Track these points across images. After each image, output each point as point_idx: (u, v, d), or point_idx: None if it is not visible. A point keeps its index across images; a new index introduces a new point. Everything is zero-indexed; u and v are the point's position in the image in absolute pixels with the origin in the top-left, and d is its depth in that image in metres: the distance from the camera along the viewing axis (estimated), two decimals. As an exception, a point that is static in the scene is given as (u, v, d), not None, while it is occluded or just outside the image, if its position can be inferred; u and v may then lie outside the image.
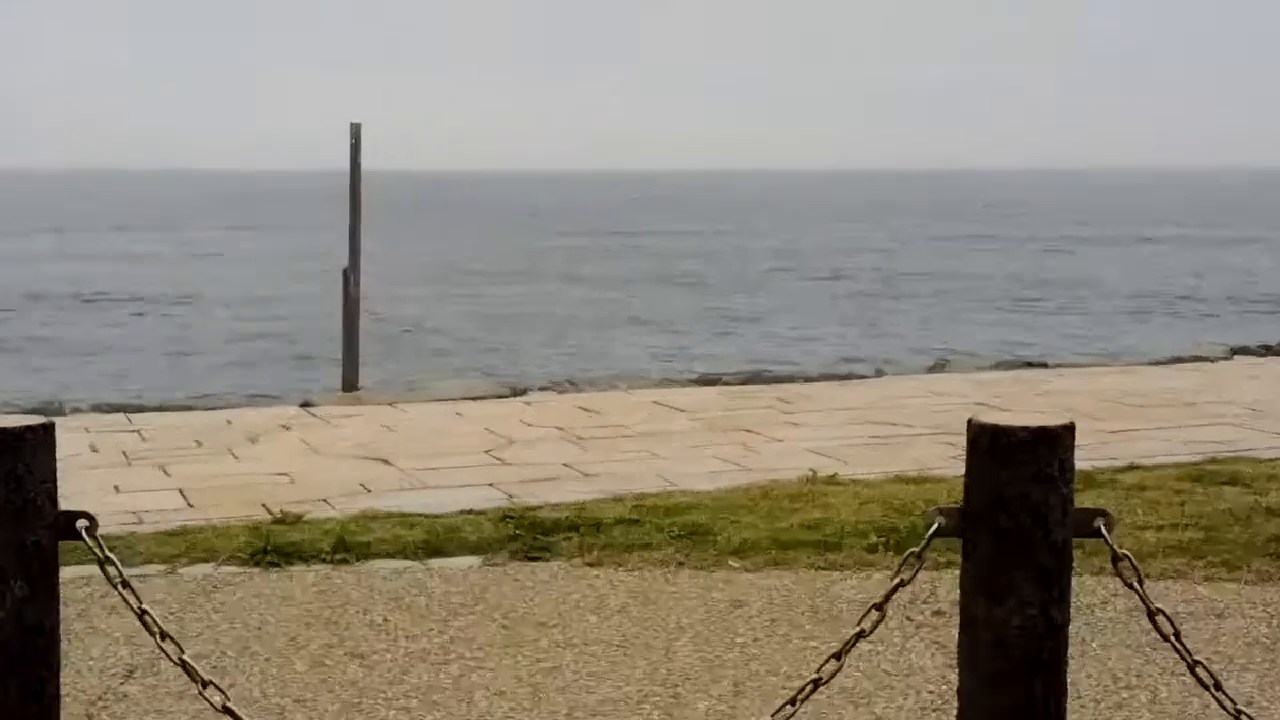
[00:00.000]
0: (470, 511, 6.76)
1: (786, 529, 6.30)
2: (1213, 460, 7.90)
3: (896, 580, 2.74)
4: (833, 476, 7.45)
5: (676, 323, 26.65)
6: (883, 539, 6.08)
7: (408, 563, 5.95)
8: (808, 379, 12.12)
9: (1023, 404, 10.29)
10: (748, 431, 9.17)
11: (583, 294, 32.85)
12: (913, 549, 2.74)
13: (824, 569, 5.80)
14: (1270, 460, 7.89)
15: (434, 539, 6.20)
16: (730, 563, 5.89)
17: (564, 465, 8.10)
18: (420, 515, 6.68)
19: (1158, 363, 12.97)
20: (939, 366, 13.42)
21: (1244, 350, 14.04)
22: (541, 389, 11.77)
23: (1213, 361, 13.01)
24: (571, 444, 8.78)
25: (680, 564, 5.87)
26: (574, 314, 28.11)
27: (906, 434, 9.08)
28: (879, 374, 12.65)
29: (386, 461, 8.21)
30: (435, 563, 5.95)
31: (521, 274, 38.62)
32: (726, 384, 11.74)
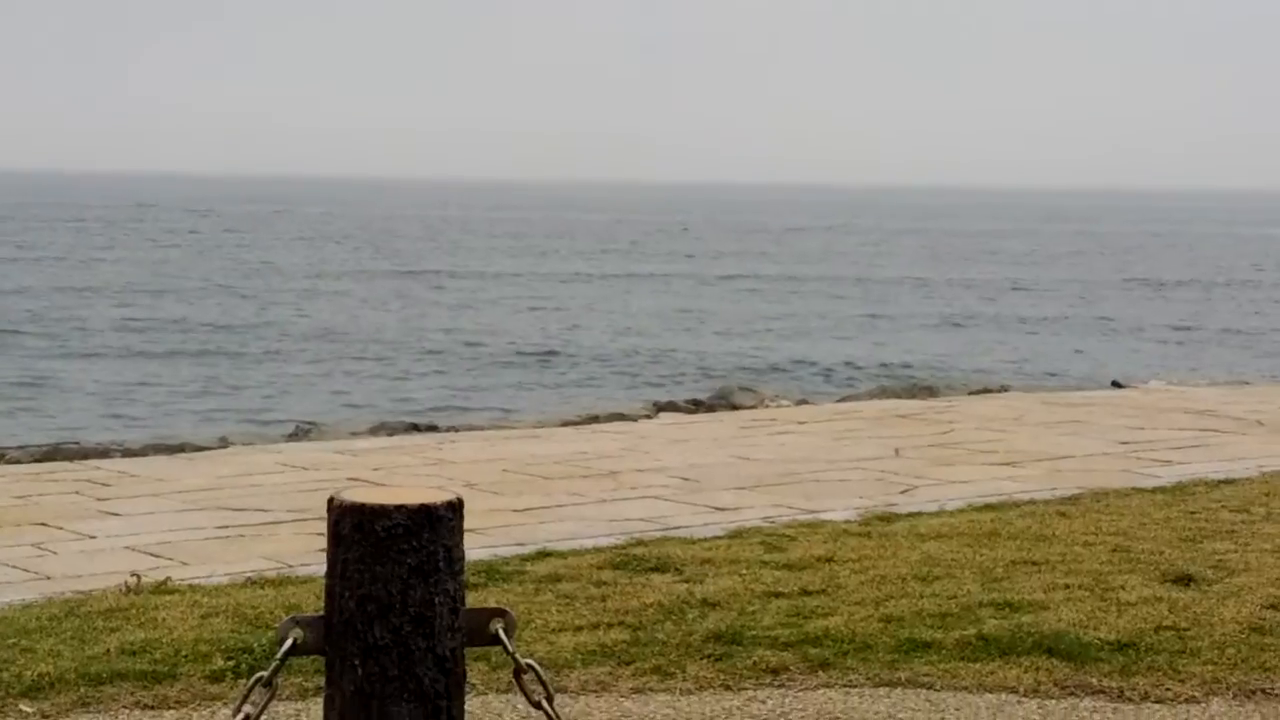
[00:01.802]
0: None
1: (100, 656, 6.13)
2: (639, 542, 8.35)
3: (239, 717, 2.68)
4: (164, 583, 7.33)
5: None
6: (231, 662, 6.01)
7: None
8: (129, 453, 11.86)
9: (407, 478, 10.48)
10: (44, 526, 8.88)
11: None
12: (261, 673, 2.70)
13: (152, 708, 5.67)
14: (704, 540, 8.42)
15: None
16: (22, 707, 5.66)
17: None
18: None
19: (571, 423, 13.60)
20: (301, 434, 13.47)
21: (671, 407, 14.98)
22: None
23: (634, 420, 13.80)
24: None
25: (-55, 714, 5.58)
26: None
27: (262, 521, 9.06)
28: (225, 444, 12.54)
29: None
30: None
31: None
32: (14, 462, 11.33)
